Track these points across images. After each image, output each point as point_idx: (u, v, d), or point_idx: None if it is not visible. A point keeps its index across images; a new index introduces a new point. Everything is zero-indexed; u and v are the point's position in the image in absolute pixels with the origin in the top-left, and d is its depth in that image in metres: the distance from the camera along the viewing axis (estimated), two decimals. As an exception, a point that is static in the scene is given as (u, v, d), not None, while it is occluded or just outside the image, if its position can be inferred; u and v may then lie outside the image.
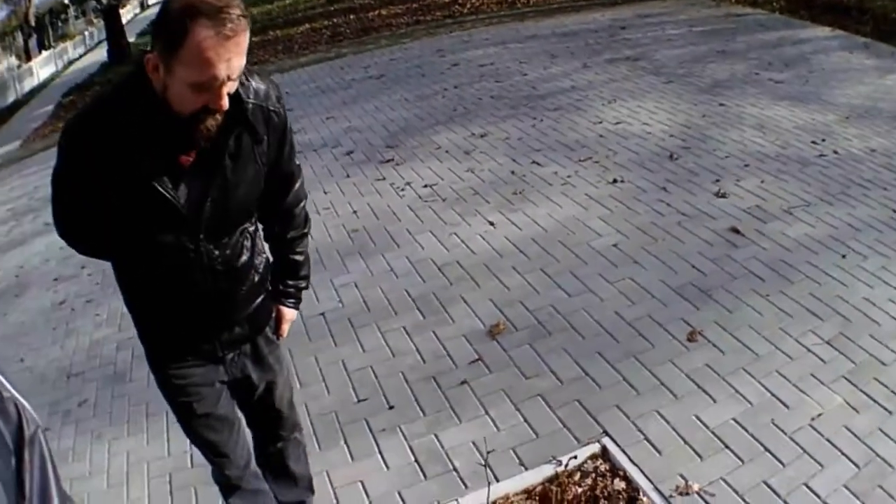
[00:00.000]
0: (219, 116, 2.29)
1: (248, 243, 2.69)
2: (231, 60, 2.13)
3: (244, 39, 2.15)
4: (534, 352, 4.69)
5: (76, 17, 66.68)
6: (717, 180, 6.64)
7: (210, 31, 2.06)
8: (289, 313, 3.06)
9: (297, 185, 2.88)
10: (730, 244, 5.62)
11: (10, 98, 29.93)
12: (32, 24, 61.51)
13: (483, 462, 3.83)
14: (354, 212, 7.16)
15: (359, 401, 4.59)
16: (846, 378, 4.18)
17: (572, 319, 4.95)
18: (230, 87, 2.22)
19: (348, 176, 8.11)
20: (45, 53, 40.27)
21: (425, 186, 7.39)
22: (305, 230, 3.01)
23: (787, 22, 12.53)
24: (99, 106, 2.41)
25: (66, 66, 37.46)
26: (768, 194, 6.30)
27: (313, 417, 4.42)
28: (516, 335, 4.88)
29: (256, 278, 2.77)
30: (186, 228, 2.45)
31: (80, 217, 2.56)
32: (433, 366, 4.76)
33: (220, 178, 2.43)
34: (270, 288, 2.94)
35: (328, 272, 6.05)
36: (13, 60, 44.16)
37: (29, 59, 43.45)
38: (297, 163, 2.86)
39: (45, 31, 54.28)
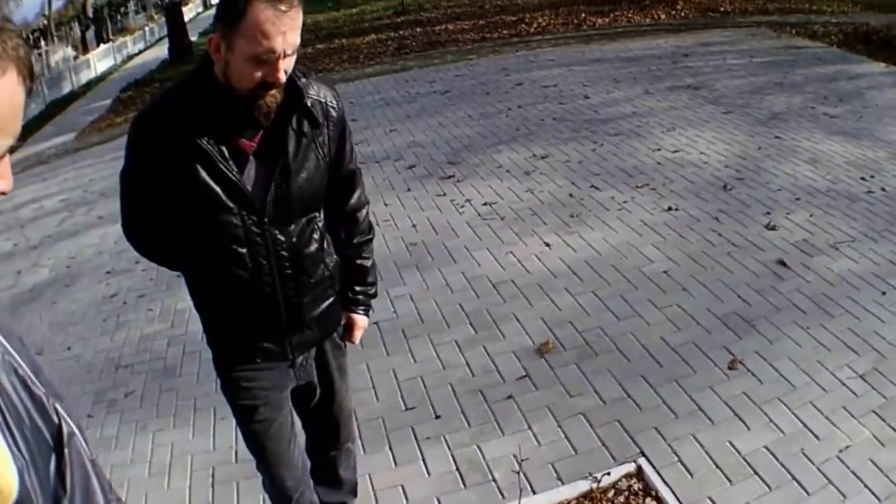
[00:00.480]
0: (277, 94, 2.44)
1: (315, 235, 2.77)
2: (286, 34, 2.29)
3: (298, 16, 2.33)
4: (580, 371, 4.81)
5: (136, 12, 66.38)
6: (768, 212, 6.72)
7: (267, 6, 2.24)
8: (360, 320, 3.14)
9: (359, 190, 3.00)
10: (776, 276, 5.70)
11: (66, 89, 29.45)
12: (90, 15, 61.70)
13: (520, 471, 3.98)
14: (414, 225, 7.31)
15: (406, 409, 4.72)
16: (876, 412, 4.23)
17: (619, 342, 5.06)
18: (287, 63, 2.38)
19: (409, 190, 8.28)
20: (103, 46, 39.30)
21: (485, 204, 7.54)
22: (370, 235, 3.10)
23: (843, 56, 12.51)
24: (164, 98, 2.60)
25: (125, 61, 36.62)
26: (816, 228, 6.37)
27: (361, 422, 4.53)
28: (564, 354, 5.01)
29: (326, 273, 2.85)
30: (252, 211, 2.57)
31: (148, 213, 2.69)
32: (481, 379, 4.88)
33: (283, 164, 2.57)
34: (340, 294, 3.01)
35: (385, 283, 6.16)
36: (70, 51, 43.88)
37: (86, 50, 42.76)
38: (359, 168, 2.97)
39: (104, 23, 53.51)
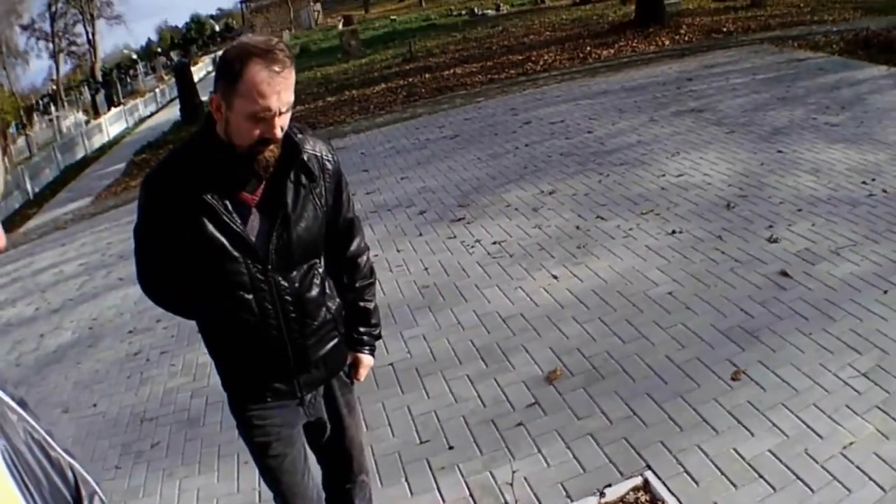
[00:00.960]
0: (275, 149, 2.66)
1: (316, 280, 2.95)
2: (281, 94, 2.54)
3: (291, 76, 2.58)
4: (587, 395, 4.97)
5: (146, 74, 67.06)
6: (771, 226, 6.87)
7: (262, 68, 2.50)
8: (365, 359, 3.29)
9: (359, 237, 3.19)
10: (778, 287, 5.84)
11: (79, 154, 29.49)
12: (99, 79, 62.46)
13: (532, 494, 4.15)
14: (426, 269, 7.53)
15: (421, 442, 4.89)
16: (879, 407, 4.34)
17: (625, 364, 5.22)
18: (282, 120, 2.61)
19: (421, 234, 8.51)
20: (114, 110, 38.90)
21: (494, 243, 7.74)
22: (372, 279, 3.28)
23: (845, 63, 12.69)
24: (171, 158, 2.84)
25: (137, 124, 36.70)
26: (818, 237, 6.51)
27: (377, 457, 4.72)
28: (572, 380, 5.17)
29: (328, 316, 3.00)
30: (256, 259, 2.76)
31: (161, 266, 2.89)
32: (492, 410, 5.05)
33: (283, 214, 2.77)
34: (345, 336, 3.17)
35: (398, 325, 6.39)
36: (81, 116, 44.04)
37: (97, 115, 43.07)
38: (357, 216, 3.19)
39: (114, 86, 54.02)
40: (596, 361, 5.33)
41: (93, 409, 6.43)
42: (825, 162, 8.23)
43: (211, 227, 2.70)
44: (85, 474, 1.56)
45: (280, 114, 2.58)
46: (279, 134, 2.62)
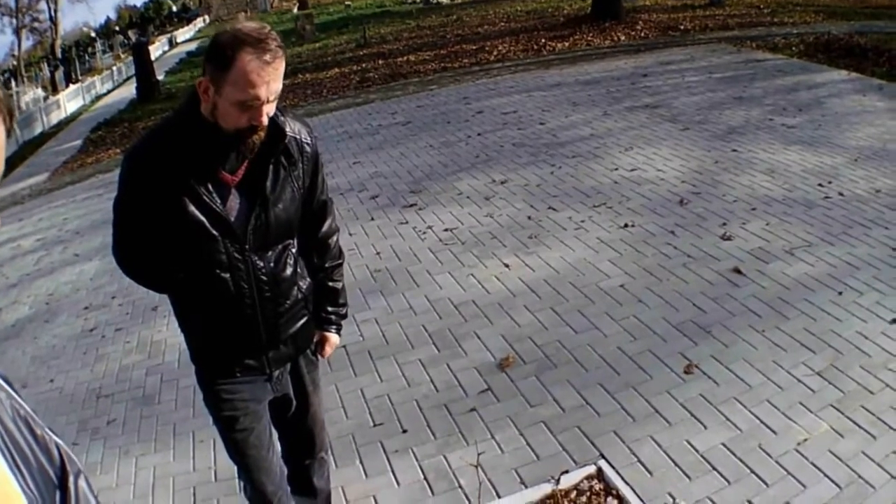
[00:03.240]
0: (261, 133, 2.73)
1: (290, 260, 3.05)
2: (270, 83, 2.60)
3: (281, 66, 2.64)
4: (539, 383, 5.03)
5: (103, 52, 66.50)
6: (724, 224, 7.01)
7: (253, 57, 2.55)
8: (332, 338, 3.44)
9: (330, 218, 3.29)
10: (731, 284, 5.96)
11: (38, 130, 29.21)
12: (59, 56, 61.74)
13: (487, 479, 4.20)
14: (377, 253, 7.57)
15: (374, 425, 4.94)
16: (834, 406, 4.46)
17: (577, 353, 5.30)
18: (269, 108, 2.67)
19: (373, 219, 8.54)
20: (72, 87, 39.04)
21: (446, 230, 7.80)
22: (341, 260, 3.41)
23: (804, 66, 12.95)
24: (154, 135, 2.86)
25: (93, 101, 36.36)
26: (772, 236, 6.65)
27: (332, 439, 4.71)
28: (524, 368, 5.23)
29: (300, 295, 3.12)
30: (235, 239, 2.84)
31: (139, 240, 2.93)
32: (445, 395, 5.11)
33: (262, 196, 2.85)
34: (313, 315, 3.29)
35: (351, 308, 6.25)
36: (40, 92, 43.92)
37: (56, 91, 42.94)
38: (330, 198, 3.28)
39: (72, 64, 53.81)
40: (548, 350, 5.39)
41: (50, 385, 6.43)
42: (781, 163, 8.40)
43: (191, 206, 2.76)
44: (70, 453, 1.57)
45: (268, 101, 2.64)
46: (266, 121, 2.69)
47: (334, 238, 3.35)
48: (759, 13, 20.80)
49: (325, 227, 3.27)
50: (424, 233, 7.85)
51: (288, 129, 2.89)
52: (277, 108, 2.83)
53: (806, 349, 5.04)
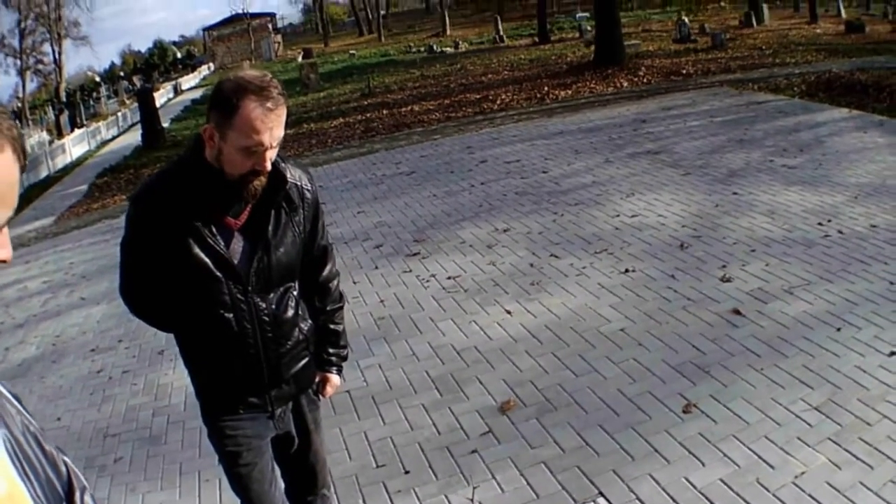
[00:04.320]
0: (263, 178, 2.89)
1: (292, 302, 3.18)
2: (273, 129, 2.76)
3: (283, 113, 2.81)
4: (540, 425, 5.17)
5: (108, 97, 66.85)
6: (724, 266, 7.17)
7: (257, 104, 2.71)
8: (334, 379, 3.56)
9: (331, 263, 3.46)
10: (730, 324, 6.10)
11: (43, 173, 29.20)
12: (64, 99, 62.05)
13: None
14: (381, 301, 7.74)
15: (377, 466, 5.07)
16: (831, 439, 4.57)
17: (577, 396, 5.43)
18: (272, 153, 2.83)
19: (377, 268, 8.73)
20: (77, 132, 38.73)
21: (449, 278, 7.97)
22: (341, 304, 3.57)
23: (805, 106, 13.19)
24: (159, 179, 3.04)
25: (99, 146, 36.73)
26: (772, 276, 6.81)
27: (335, 480, 4.79)
28: (525, 410, 5.37)
29: (301, 336, 3.24)
30: (238, 281, 2.98)
31: (146, 280, 3.09)
32: (447, 437, 5.25)
33: (264, 240, 3.00)
34: (315, 356, 3.43)
35: (355, 355, 6.46)
36: (45, 135, 43.83)
37: (61, 135, 42.57)
38: (330, 243, 3.47)
39: (77, 108, 53.29)
40: (549, 393, 5.53)
41: (57, 423, 6.56)
42: (781, 204, 8.58)
43: (196, 249, 2.91)
44: (77, 470, 1.69)
45: (271, 147, 2.81)
46: (269, 166, 2.85)
47: (335, 282, 3.51)
48: (761, 54, 21.16)
49: (325, 272, 3.43)
50: (428, 281, 8.03)
51: (289, 176, 3.05)
52: (278, 156, 2.99)
53: (804, 385, 5.16)
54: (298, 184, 3.13)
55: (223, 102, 2.76)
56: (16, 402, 1.61)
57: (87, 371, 7.62)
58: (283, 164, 3.04)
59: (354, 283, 8.29)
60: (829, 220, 7.88)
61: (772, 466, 4.43)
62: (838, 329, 5.79)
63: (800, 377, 5.26)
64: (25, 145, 1.49)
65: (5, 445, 1.44)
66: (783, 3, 47.18)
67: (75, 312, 9.48)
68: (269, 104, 2.73)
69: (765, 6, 38.13)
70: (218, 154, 2.85)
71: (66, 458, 1.69)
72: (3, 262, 1.49)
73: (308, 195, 3.18)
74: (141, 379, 7.12)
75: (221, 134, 2.78)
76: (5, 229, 1.45)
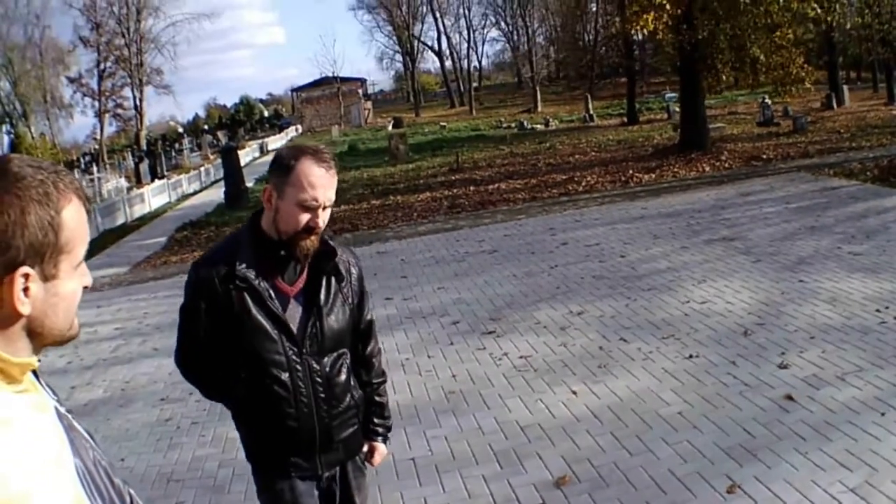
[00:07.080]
0: (315, 240, 3.19)
1: (344, 368, 3.42)
2: (326, 189, 3.13)
3: (334, 177, 3.19)
4: (591, 500, 5.49)
5: (191, 150, 66.78)
6: (783, 353, 7.43)
7: (312, 162, 3.10)
8: (381, 447, 3.77)
9: (374, 339, 3.74)
10: (782, 410, 6.37)
11: (119, 220, 30.24)
12: (144, 147, 62.66)
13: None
14: (453, 375, 8.11)
15: (436, 530, 5.45)
16: (863, 520, 4.86)
17: (630, 475, 5.75)
18: (325, 215, 3.17)
19: (452, 343, 9.13)
20: (158, 182, 39.74)
21: (521, 357, 8.35)
22: (384, 378, 3.82)
23: (876, 191, 13.44)
24: (221, 248, 3.41)
25: (179, 200, 37.19)
26: (826, 363, 7.06)
27: None
28: (579, 486, 5.69)
29: (352, 402, 3.45)
30: (293, 343, 3.24)
31: (202, 343, 3.34)
32: (503, 506, 5.62)
33: (317, 306, 3.29)
34: (362, 425, 3.61)
35: (422, 425, 6.92)
36: (123, 182, 43.44)
37: (140, 183, 43.60)
38: (374, 320, 3.74)
39: (158, 157, 54.56)
40: (603, 471, 5.85)
41: (120, 463, 6.90)
42: (843, 291, 8.85)
43: (256, 311, 3.20)
44: (140, 501, 1.90)
45: (324, 207, 3.21)
46: (321, 225, 3.18)
47: (378, 358, 3.77)
48: (839, 138, 21.37)
49: (370, 347, 3.70)
50: (500, 359, 8.39)
51: (339, 250, 3.38)
52: (327, 234, 3.39)
53: (844, 468, 5.40)
54: (346, 260, 3.49)
55: (281, 164, 3.18)
56: (90, 439, 1.76)
57: (155, 418, 8.03)
58: (332, 242, 3.41)
59: (429, 356, 8.71)
60: (887, 307, 8.12)
61: (806, 544, 4.72)
62: (882, 414, 6.02)
63: (841, 460, 5.50)
64: (86, 193, 1.69)
65: (79, 474, 1.60)
66: (863, 83, 46.94)
67: (146, 361, 9.94)
68: (323, 164, 3.15)
69: (845, 87, 38.14)
70: (275, 214, 3.17)
71: (131, 491, 1.89)
72: (87, 287, 1.71)
73: (354, 270, 3.54)
74: (210, 431, 7.46)
75: (279, 192, 3.14)
76: (83, 262, 1.67)
